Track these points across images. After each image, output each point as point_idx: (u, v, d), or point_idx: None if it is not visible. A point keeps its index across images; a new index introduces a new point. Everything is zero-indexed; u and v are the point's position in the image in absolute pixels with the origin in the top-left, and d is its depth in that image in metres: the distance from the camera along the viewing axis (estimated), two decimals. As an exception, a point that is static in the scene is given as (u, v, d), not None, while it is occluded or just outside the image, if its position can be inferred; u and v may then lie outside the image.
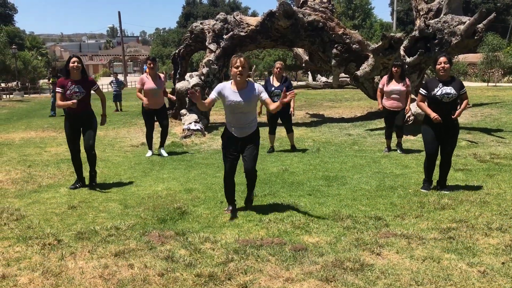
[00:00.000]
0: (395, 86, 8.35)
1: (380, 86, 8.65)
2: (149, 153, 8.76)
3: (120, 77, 28.13)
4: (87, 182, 6.44)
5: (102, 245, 4.14)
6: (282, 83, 8.49)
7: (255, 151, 4.89)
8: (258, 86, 4.83)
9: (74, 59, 6.13)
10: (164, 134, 8.78)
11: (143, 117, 8.80)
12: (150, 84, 8.37)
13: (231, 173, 4.97)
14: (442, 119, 5.54)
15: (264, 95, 4.82)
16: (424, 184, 5.88)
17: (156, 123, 8.76)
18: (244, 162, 4.89)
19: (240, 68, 4.63)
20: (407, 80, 8.46)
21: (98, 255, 3.92)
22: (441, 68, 5.54)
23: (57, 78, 17.98)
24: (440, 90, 5.56)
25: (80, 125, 6.23)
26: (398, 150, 8.47)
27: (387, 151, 8.59)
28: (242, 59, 4.66)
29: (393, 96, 8.35)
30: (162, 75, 8.58)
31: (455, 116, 5.53)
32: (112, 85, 19.38)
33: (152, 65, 8.43)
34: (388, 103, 8.45)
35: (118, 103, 18.94)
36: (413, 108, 10.05)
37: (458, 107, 5.66)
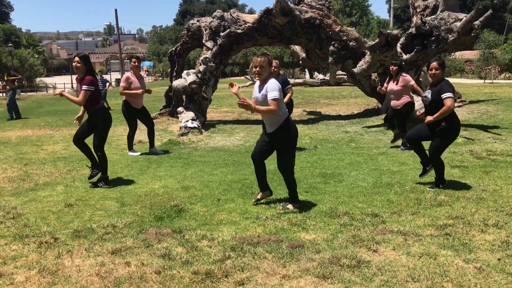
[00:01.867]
0: (391, 86, 8.51)
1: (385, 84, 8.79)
2: (138, 152, 8.67)
3: (118, 75, 27.99)
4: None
5: (99, 243, 4.14)
6: None
7: (283, 153, 4.90)
8: (271, 85, 4.70)
9: (75, 58, 6.09)
10: (152, 133, 8.77)
11: (128, 117, 8.49)
12: (137, 83, 8.39)
13: (254, 157, 5.10)
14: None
15: (271, 95, 4.67)
16: None
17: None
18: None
19: (257, 68, 4.75)
20: (400, 78, 8.33)
21: (95, 253, 3.92)
22: (431, 74, 5.65)
23: (10, 76, 16.44)
24: (425, 92, 5.74)
25: (90, 123, 6.23)
26: (400, 148, 8.45)
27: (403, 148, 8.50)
28: (259, 58, 4.75)
29: (391, 96, 8.49)
30: (142, 73, 8.54)
31: (426, 120, 5.57)
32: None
33: (137, 63, 8.48)
34: (390, 102, 8.58)
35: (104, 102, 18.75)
36: (417, 105, 9.97)
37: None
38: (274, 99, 4.66)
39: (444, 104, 5.39)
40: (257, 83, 4.93)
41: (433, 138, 5.66)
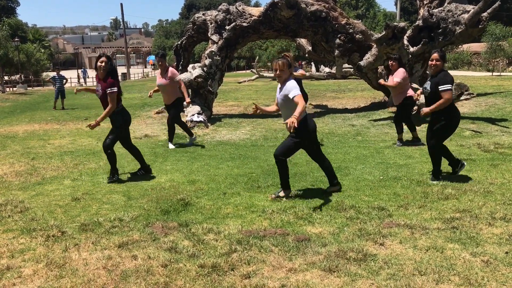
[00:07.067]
0: (390, 81, 8.32)
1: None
2: (170, 145, 8.72)
3: (124, 69, 27.95)
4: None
5: (106, 237, 4.16)
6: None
7: (287, 142, 5.13)
8: (289, 85, 4.88)
9: (102, 58, 6.03)
10: (168, 129, 8.84)
11: (179, 110, 8.98)
12: (157, 80, 8.64)
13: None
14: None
15: (292, 93, 4.81)
16: None
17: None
18: None
19: (277, 72, 4.98)
20: (396, 73, 8.12)
21: (102, 247, 3.94)
22: (431, 65, 5.58)
23: None
24: (425, 84, 5.71)
25: (113, 124, 6.27)
26: (396, 144, 8.27)
27: (399, 144, 8.28)
28: (280, 62, 4.95)
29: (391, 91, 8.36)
30: (170, 69, 8.51)
31: (421, 113, 5.61)
32: (56, 81, 17.73)
33: (160, 62, 8.56)
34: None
35: (62, 100, 17.46)
36: (421, 99, 9.86)
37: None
38: (298, 94, 4.80)
39: (442, 96, 5.35)
40: (279, 84, 5.13)
41: (432, 132, 5.60)
